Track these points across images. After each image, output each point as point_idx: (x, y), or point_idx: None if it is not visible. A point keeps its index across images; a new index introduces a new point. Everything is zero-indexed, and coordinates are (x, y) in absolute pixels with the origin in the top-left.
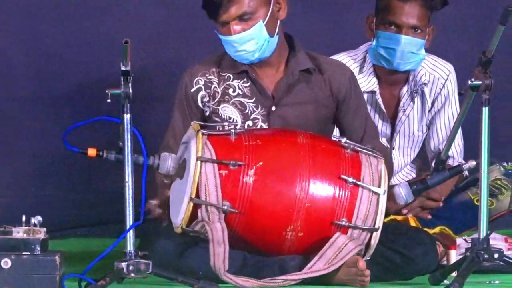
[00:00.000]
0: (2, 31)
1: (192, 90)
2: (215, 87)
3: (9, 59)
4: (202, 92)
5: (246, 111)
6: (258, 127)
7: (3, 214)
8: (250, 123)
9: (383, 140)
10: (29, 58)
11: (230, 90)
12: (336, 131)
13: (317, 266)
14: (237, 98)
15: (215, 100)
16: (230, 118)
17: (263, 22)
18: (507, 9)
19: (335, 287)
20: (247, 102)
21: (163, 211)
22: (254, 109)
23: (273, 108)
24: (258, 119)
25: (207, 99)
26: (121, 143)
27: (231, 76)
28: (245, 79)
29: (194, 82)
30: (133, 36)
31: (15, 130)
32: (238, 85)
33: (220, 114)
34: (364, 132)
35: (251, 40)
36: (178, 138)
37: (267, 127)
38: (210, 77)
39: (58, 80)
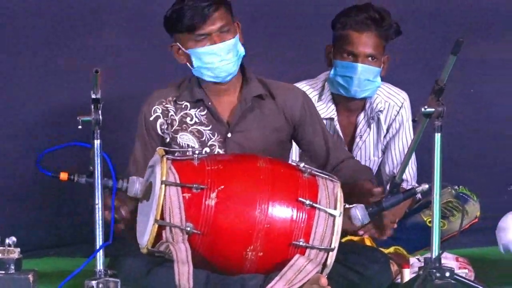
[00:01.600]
0: None
1: (151, 119)
2: (172, 115)
3: None
4: (160, 120)
5: (203, 138)
6: (215, 153)
7: None
8: (207, 149)
9: None
10: (3, 84)
11: (188, 119)
12: (293, 153)
13: (278, 286)
14: (195, 126)
15: (173, 128)
16: (188, 145)
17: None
18: (458, 41)
19: None
20: (204, 130)
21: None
22: (211, 136)
23: (229, 135)
24: (215, 145)
25: (166, 126)
26: (91, 167)
27: (188, 105)
28: (201, 108)
29: (152, 110)
30: (103, 65)
31: None
32: (195, 114)
33: (178, 142)
34: (327, 146)
35: (232, 51)
36: (140, 166)
37: (224, 152)
38: (167, 105)
39: (32, 106)
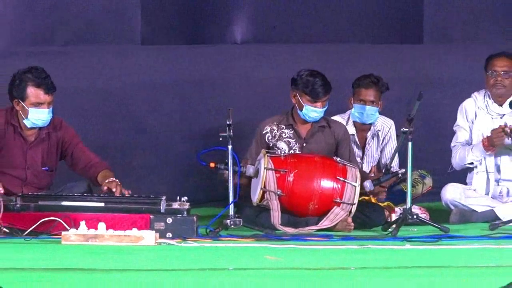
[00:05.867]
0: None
1: (263, 133)
2: (275, 132)
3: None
4: (268, 134)
5: (291, 145)
6: (295, 152)
7: (168, 195)
8: (292, 151)
9: (358, 159)
10: (187, 112)
11: (283, 134)
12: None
13: (325, 223)
14: (286, 139)
15: (275, 139)
16: (282, 148)
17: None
18: (420, 93)
19: (335, 232)
20: (291, 140)
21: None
22: (294, 144)
23: (304, 144)
24: (296, 149)
25: (270, 138)
26: (226, 160)
27: (284, 126)
28: (291, 129)
29: (264, 128)
30: (232, 103)
31: (175, 151)
32: (287, 132)
33: (277, 146)
34: (350, 157)
35: (324, 112)
36: (254, 156)
37: (299, 152)
38: (273, 127)
39: (197, 124)
